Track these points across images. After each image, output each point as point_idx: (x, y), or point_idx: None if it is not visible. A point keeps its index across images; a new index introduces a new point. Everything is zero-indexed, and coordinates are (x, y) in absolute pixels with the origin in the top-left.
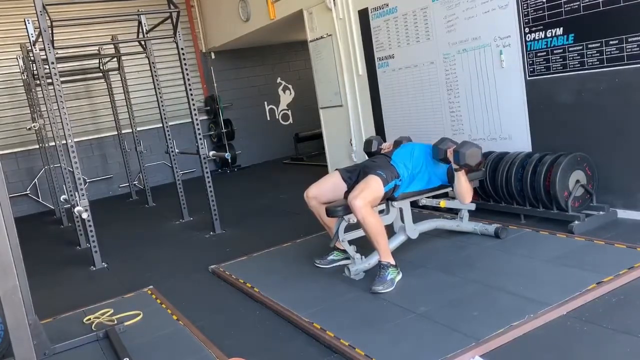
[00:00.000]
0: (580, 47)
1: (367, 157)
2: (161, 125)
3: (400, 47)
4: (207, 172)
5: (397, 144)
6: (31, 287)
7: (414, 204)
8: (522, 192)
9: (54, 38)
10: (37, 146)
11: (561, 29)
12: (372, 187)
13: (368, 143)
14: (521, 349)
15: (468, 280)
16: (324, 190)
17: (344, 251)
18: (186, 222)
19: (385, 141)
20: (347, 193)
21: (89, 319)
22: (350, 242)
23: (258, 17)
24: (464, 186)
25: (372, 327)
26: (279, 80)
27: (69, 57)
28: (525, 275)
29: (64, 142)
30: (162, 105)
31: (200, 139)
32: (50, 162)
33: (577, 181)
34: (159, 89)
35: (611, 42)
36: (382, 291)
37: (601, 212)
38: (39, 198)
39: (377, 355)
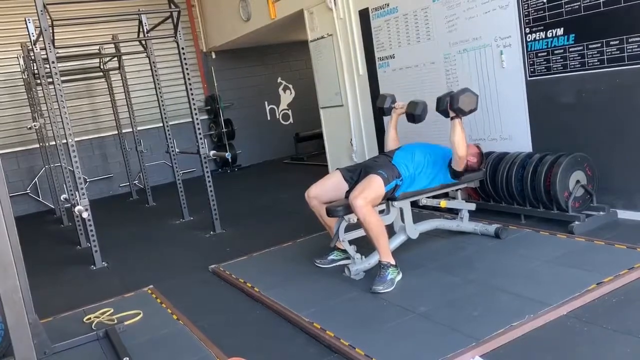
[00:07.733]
0: (581, 48)
1: (379, 111)
2: (161, 124)
3: (400, 47)
4: (207, 172)
5: (412, 105)
6: (31, 287)
7: (414, 204)
8: (522, 192)
9: (55, 37)
10: (38, 145)
11: (562, 29)
12: (373, 186)
13: (382, 98)
14: (521, 349)
15: (468, 280)
16: (325, 189)
17: (344, 251)
18: (186, 221)
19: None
20: (348, 192)
21: (89, 318)
22: (351, 242)
23: (258, 16)
24: (457, 135)
25: (373, 327)
26: (279, 80)
27: (69, 56)
28: (525, 276)
29: (65, 141)
30: (163, 105)
31: (201, 138)
32: (50, 162)
33: (578, 181)
34: (159, 88)
35: (612, 43)
36: (382, 291)
37: (601, 213)
38: (39, 197)
39: (377, 355)
